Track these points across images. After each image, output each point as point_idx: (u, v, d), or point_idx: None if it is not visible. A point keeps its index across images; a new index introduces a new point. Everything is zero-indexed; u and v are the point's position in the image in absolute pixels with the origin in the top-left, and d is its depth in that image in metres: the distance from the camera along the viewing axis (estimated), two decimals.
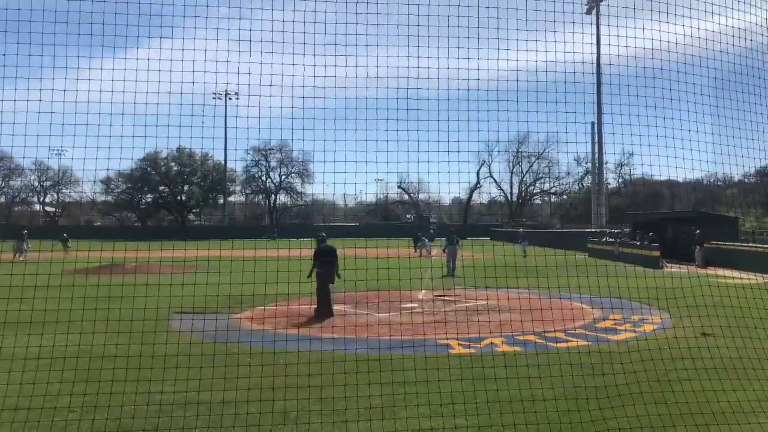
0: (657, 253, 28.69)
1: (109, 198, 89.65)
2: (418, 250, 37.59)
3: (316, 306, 14.02)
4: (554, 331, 10.97)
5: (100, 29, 6.54)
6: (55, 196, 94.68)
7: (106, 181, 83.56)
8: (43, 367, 7.27)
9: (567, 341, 10.60)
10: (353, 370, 7.25)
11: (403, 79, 6.93)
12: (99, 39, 6.58)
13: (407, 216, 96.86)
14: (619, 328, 12.13)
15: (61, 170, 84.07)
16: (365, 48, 6.73)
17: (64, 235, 43.52)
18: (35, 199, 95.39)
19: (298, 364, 7.53)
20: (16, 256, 32.51)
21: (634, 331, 11.71)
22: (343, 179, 8.33)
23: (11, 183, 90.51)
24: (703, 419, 6.12)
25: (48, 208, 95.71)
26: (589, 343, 10.38)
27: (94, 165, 8.98)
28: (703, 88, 7.80)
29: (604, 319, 13.02)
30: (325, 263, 13.99)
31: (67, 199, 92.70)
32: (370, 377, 7.19)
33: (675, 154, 7.90)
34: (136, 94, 6.54)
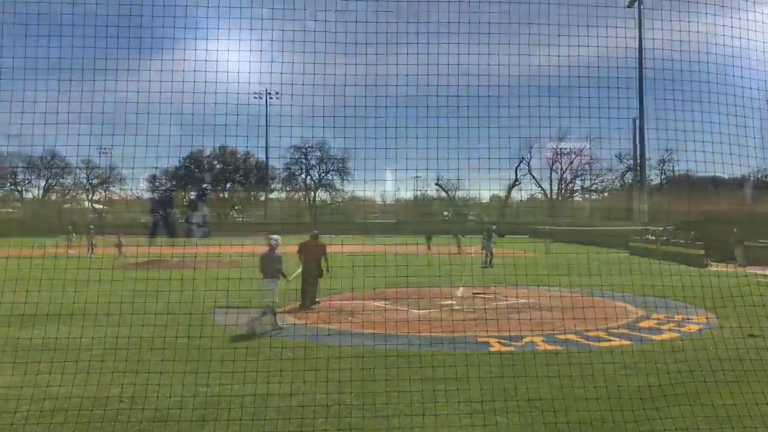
0: (701, 251, 27.99)
1: (155, 195, 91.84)
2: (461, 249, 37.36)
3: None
4: (596, 330, 10.83)
5: (149, 32, 6.76)
6: (103, 193, 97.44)
7: (152, 179, 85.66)
8: (96, 357, 7.55)
9: (609, 340, 10.45)
10: (394, 365, 7.32)
11: (443, 76, 6.95)
12: (147, 41, 6.81)
13: (444, 213, 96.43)
14: (662, 327, 11.90)
15: (108, 168, 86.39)
16: (405, 46, 6.78)
17: (69, 227, 42.34)
18: (84, 196, 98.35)
19: (340, 358, 7.63)
20: (88, 250, 32.35)
21: (678, 331, 11.48)
22: (380, 176, 8.37)
23: (61, 181, 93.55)
24: (751, 422, 5.99)
25: (96, 205, 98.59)
26: (632, 342, 10.23)
27: (141, 163, 9.27)
28: (751, 81, 7.59)
29: (646, 319, 12.79)
30: (310, 259, 14.56)
31: (114, 197, 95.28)
32: (411, 373, 7.23)
33: (720, 150, 7.71)
34: (183, 93, 6.73)
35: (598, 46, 7.26)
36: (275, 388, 6.99)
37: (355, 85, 6.88)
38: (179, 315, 7.93)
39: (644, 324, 12.28)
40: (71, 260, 13.22)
